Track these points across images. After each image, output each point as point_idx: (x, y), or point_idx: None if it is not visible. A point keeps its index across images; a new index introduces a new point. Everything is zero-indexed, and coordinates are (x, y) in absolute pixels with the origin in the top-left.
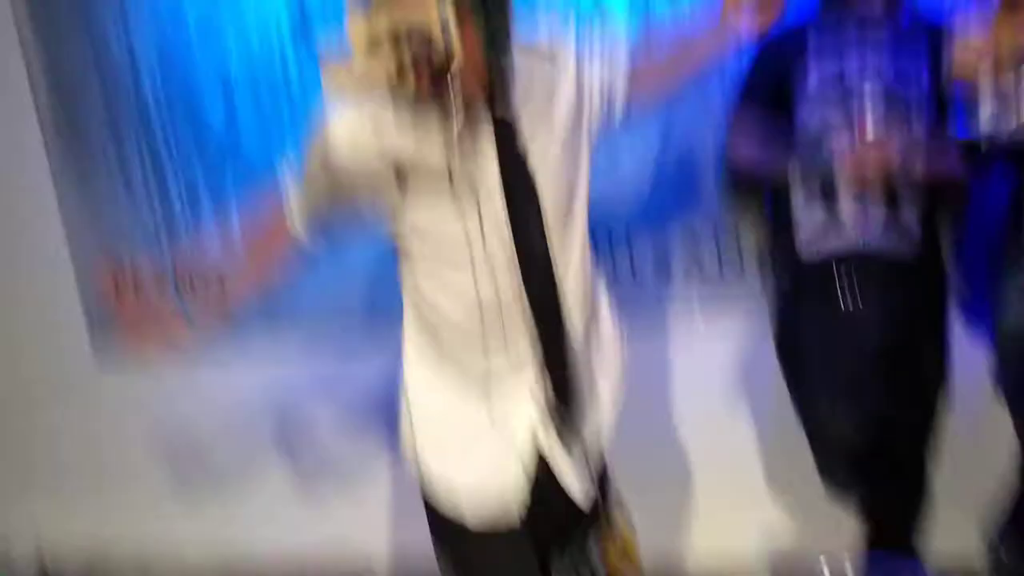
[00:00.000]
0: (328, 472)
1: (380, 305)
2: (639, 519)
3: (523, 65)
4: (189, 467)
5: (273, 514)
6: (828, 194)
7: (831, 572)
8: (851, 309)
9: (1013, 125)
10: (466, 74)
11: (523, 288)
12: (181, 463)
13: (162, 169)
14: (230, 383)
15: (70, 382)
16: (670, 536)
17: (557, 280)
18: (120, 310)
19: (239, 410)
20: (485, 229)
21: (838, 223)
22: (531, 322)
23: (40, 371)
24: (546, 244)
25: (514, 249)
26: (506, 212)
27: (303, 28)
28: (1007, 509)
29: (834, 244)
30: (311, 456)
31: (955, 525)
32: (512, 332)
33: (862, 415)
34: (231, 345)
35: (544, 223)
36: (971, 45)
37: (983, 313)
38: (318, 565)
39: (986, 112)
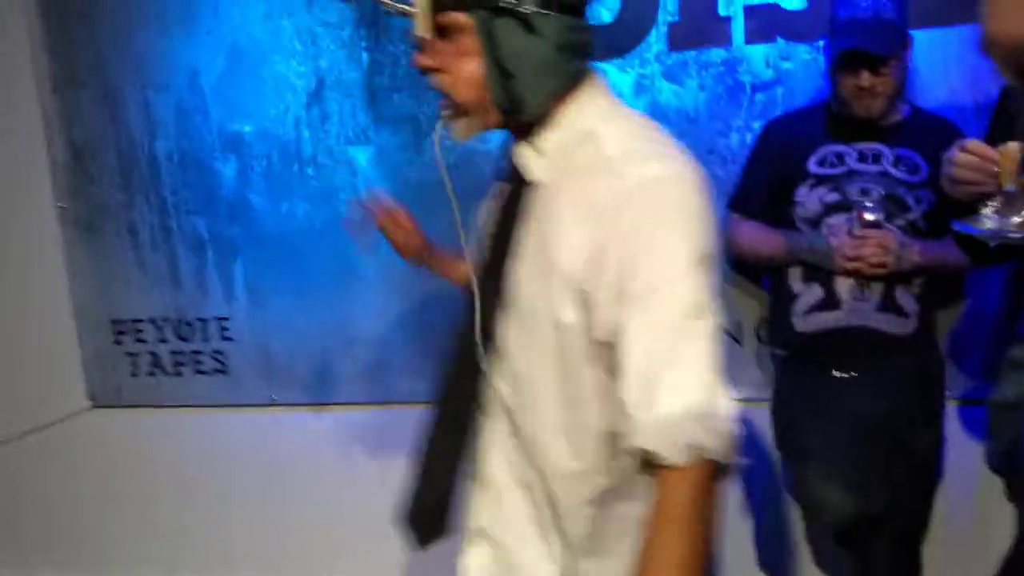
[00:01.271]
0: (326, 540)
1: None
2: None
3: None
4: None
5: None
6: (825, 271)
7: None
8: (843, 379)
9: (1013, 226)
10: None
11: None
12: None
13: (169, 224)
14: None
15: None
16: None
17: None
18: None
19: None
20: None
21: (834, 299)
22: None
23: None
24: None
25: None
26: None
27: (318, 94)
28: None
29: (829, 319)
30: (308, 514)
31: None
32: None
33: (854, 490)
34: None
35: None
36: (971, 163)
37: (978, 394)
38: None
39: (987, 212)
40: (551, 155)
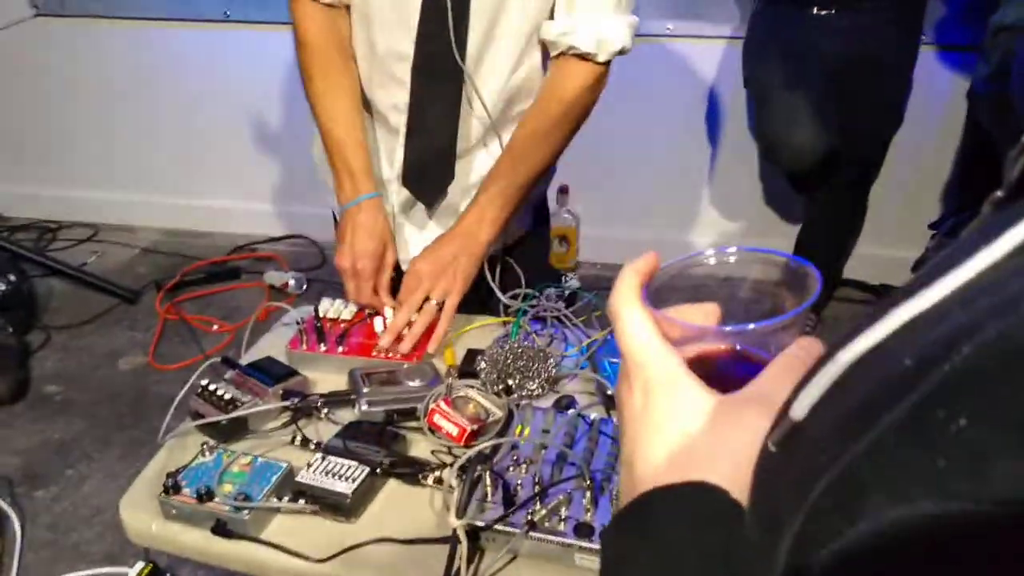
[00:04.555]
0: (284, 156)
1: None
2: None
3: None
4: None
5: (226, 187)
6: None
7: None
8: (820, 16)
9: None
10: None
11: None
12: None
13: None
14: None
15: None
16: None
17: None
18: None
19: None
20: None
21: None
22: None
23: None
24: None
25: None
26: None
27: None
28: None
29: None
30: (270, 133)
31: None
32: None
33: (814, 133)
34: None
35: None
36: None
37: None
38: (267, 246)
39: None
40: None
